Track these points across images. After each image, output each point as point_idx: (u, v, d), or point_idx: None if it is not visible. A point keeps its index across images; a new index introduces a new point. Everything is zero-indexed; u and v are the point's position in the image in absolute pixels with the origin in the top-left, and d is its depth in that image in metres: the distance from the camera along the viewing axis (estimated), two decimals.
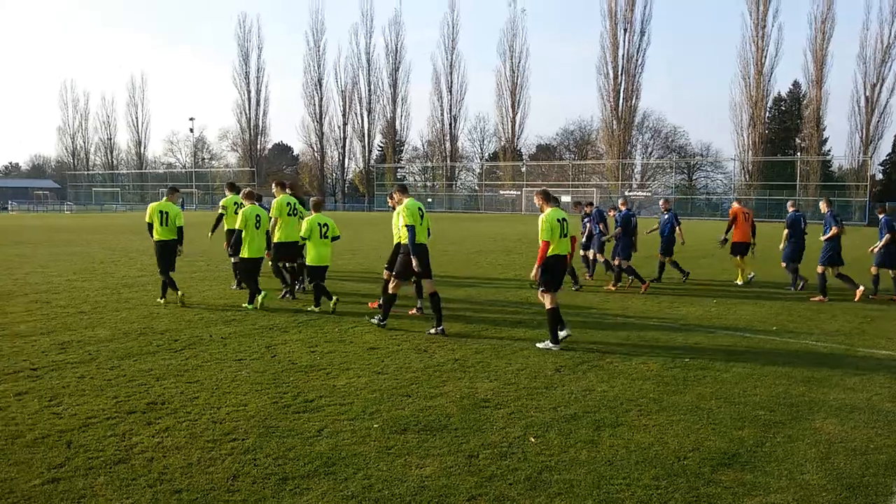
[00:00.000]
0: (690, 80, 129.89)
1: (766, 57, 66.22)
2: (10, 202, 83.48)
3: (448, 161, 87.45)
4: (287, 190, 12.39)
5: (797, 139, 70.95)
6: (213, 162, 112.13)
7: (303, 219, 11.63)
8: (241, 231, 11.19)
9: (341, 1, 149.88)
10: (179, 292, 11.25)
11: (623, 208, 14.49)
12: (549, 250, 8.55)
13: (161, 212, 11.39)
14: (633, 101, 73.08)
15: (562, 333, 8.62)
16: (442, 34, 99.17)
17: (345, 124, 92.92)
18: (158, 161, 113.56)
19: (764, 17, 65.76)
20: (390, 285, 9.67)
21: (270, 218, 11.92)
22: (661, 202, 16.72)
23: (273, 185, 12.50)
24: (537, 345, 8.56)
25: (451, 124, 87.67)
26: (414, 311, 10.77)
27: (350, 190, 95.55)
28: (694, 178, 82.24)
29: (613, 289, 13.79)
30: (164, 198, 11.75)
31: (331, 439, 5.21)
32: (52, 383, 6.59)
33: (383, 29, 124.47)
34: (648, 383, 6.94)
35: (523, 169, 79.60)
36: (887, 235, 13.08)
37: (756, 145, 66.90)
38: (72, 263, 17.04)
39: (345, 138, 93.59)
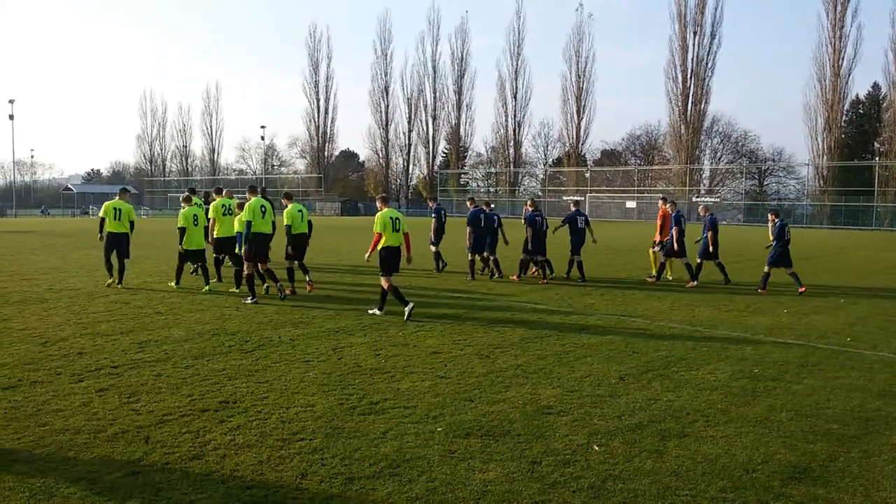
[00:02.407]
0: (762, 83, 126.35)
1: (843, 59, 63.62)
2: (90, 206, 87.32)
3: (511, 167, 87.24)
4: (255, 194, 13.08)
5: (876, 143, 67.94)
6: (283, 168, 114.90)
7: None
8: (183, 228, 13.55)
9: (409, 10, 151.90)
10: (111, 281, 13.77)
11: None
12: (382, 242, 10.78)
13: (115, 209, 13.85)
14: (703, 105, 71.36)
15: (406, 309, 10.57)
16: (507, 40, 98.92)
17: (410, 131, 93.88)
18: (230, 168, 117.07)
19: (842, 17, 63.22)
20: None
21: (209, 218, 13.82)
22: (700, 208, 17.13)
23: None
24: (368, 311, 11.04)
25: (515, 130, 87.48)
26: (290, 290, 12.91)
27: (414, 195, 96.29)
28: (765, 183, 79.73)
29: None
30: (118, 197, 14.17)
31: (395, 441, 5.28)
32: (130, 381, 6.88)
33: (449, 36, 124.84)
34: (716, 394, 6.78)
35: (587, 174, 78.69)
36: None
37: (832, 150, 64.29)
38: (148, 265, 17.70)
39: (410, 145, 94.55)
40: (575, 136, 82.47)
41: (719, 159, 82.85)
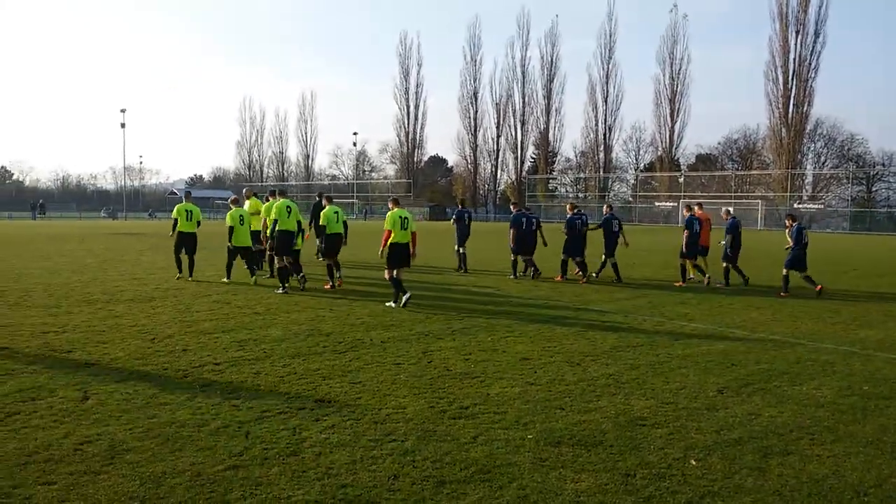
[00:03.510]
0: (870, 84, 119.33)
1: None
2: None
3: (601, 172, 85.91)
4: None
5: None
6: (373, 174, 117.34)
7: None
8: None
9: (498, 15, 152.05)
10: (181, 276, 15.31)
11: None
12: (391, 238, 12.11)
13: (187, 211, 15.36)
14: (805, 108, 68.19)
15: (404, 298, 11.98)
16: (599, 44, 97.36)
17: (498, 136, 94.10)
18: (324, 173, 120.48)
19: None
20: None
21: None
22: (723, 212, 17.71)
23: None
24: (386, 304, 12.24)
25: (605, 134, 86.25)
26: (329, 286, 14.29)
27: (501, 201, 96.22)
28: (874, 189, 75.23)
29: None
30: (185, 200, 15.75)
31: (486, 447, 5.28)
32: (231, 377, 7.16)
33: (539, 41, 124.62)
34: (822, 411, 6.43)
35: (681, 180, 76.42)
36: None
37: None
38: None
39: (498, 150, 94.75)
40: (668, 141, 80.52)
41: (823, 164, 78.81)
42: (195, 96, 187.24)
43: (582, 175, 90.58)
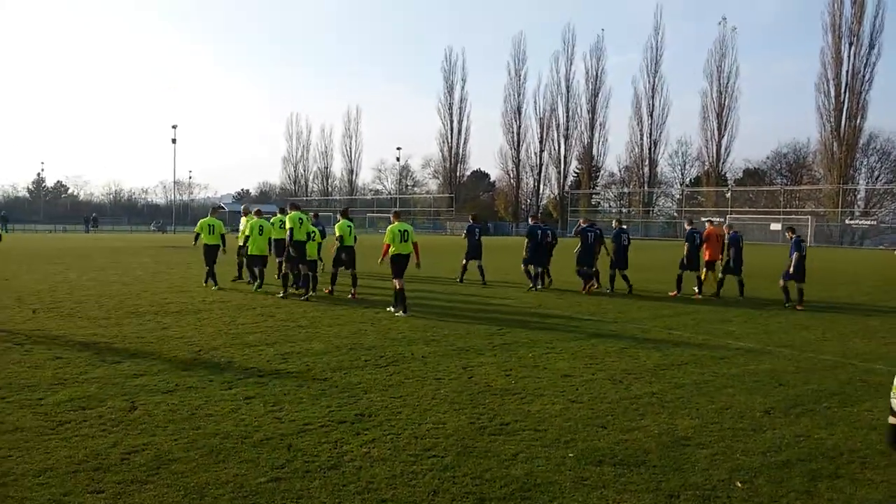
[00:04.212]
0: None
1: None
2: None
3: (645, 186, 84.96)
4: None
5: None
6: (416, 189, 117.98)
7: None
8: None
9: (544, 30, 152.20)
10: (212, 285, 16.59)
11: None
12: (392, 250, 13.07)
13: (209, 225, 16.95)
14: (858, 121, 66.35)
15: (398, 312, 12.75)
16: (644, 57, 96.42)
17: (541, 151, 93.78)
18: (367, 188, 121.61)
19: None
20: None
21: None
22: (724, 226, 18.18)
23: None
24: (388, 308, 13.31)
25: (650, 149, 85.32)
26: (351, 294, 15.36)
27: (544, 216, 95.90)
28: None
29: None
30: (210, 214, 17.64)
31: (526, 464, 5.24)
32: (274, 390, 7.26)
33: (584, 55, 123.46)
34: (874, 434, 6.23)
35: (728, 195, 75.07)
36: None
37: None
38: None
39: (541, 165, 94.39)
40: (715, 155, 79.23)
41: (876, 179, 76.60)
42: (245, 112, 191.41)
43: (626, 190, 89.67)
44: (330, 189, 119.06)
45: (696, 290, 17.21)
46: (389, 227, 13.23)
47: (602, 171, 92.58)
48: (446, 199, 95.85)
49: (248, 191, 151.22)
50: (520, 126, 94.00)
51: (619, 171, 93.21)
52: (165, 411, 6.42)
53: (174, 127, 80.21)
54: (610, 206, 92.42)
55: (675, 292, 17.18)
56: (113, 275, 20.02)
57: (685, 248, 17.37)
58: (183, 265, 23.87)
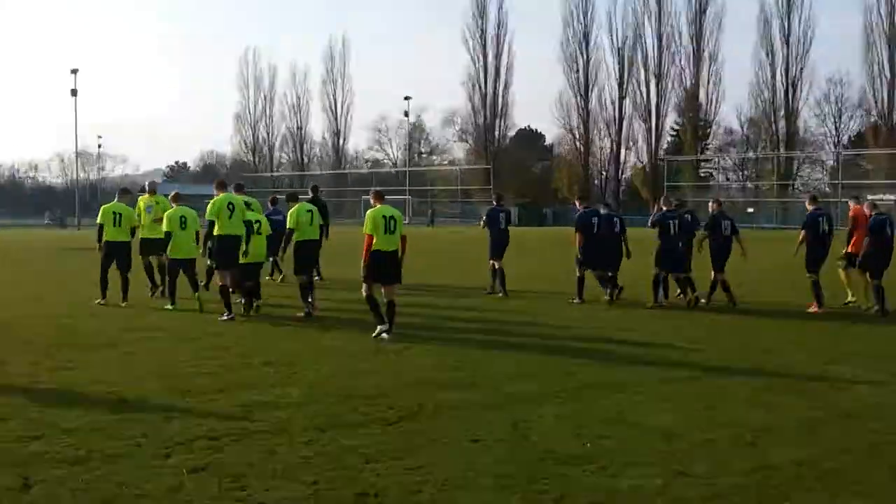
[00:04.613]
0: None
1: None
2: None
3: (780, 149, 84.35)
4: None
5: None
6: (434, 157, 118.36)
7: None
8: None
9: None
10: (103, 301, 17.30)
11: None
12: (373, 244, 13.29)
13: (114, 213, 17.51)
14: None
15: (379, 329, 13.36)
16: None
17: (621, 98, 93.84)
18: (361, 157, 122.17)
19: None
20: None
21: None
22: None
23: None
24: (373, 335, 13.36)
25: (787, 93, 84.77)
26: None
27: (627, 194, 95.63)
28: None
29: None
30: (116, 198, 18.18)
31: None
32: (233, 458, 7.30)
33: None
34: None
35: None
36: None
37: None
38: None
39: (621, 119, 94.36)
40: (886, 101, 78.49)
41: None
42: (175, 47, 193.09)
43: (751, 154, 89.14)
44: (306, 158, 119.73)
45: (853, 298, 17.65)
46: (370, 213, 13.55)
47: (714, 128, 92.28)
48: (480, 172, 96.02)
49: (185, 164, 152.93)
50: (588, 62, 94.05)
51: (741, 127, 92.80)
52: (74, 490, 6.47)
53: (74, 72, 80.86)
54: (727, 178, 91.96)
55: (814, 307, 17.28)
56: None
57: (800, 236, 17.73)
58: (92, 277, 24.12)
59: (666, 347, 13.04)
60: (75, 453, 7.41)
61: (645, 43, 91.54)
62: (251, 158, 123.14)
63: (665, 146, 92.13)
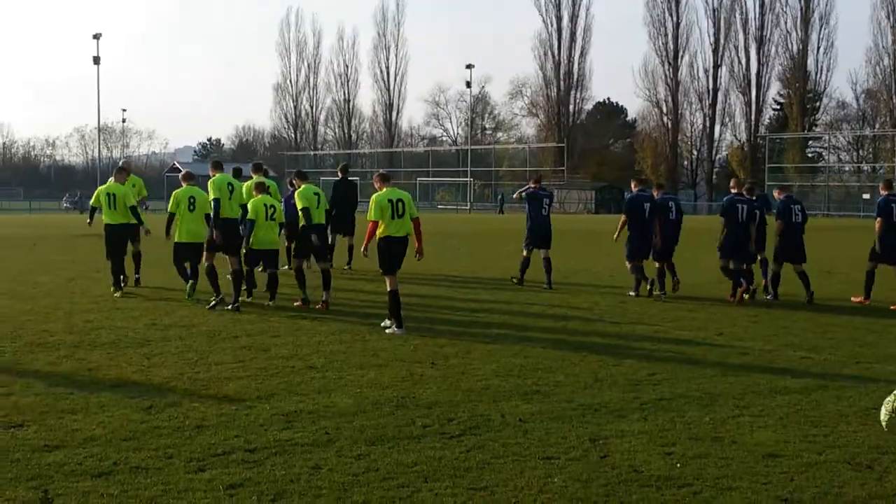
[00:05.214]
0: None
1: None
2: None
3: None
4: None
5: None
6: (500, 133, 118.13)
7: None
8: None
9: None
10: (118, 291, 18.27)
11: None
12: (382, 230, 13.97)
13: (108, 194, 18.46)
14: None
15: (389, 323, 14.20)
16: None
17: (716, 66, 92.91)
18: (416, 133, 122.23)
19: None
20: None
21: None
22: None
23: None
24: (386, 330, 14.18)
25: None
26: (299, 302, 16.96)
27: (721, 176, 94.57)
28: None
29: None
30: (112, 179, 19.12)
31: None
32: (275, 473, 7.36)
33: None
34: None
35: None
36: None
37: None
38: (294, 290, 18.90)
39: (716, 90, 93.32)
40: None
41: None
42: (208, 10, 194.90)
43: (867, 131, 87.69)
44: (354, 135, 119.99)
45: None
46: (374, 197, 14.19)
47: (824, 101, 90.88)
48: (552, 150, 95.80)
49: (219, 141, 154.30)
50: (677, 24, 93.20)
51: (856, 100, 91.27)
52: None
53: (97, 37, 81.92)
54: (839, 160, 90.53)
55: (859, 298, 18.61)
56: (0, 282, 20.76)
57: (878, 225, 18.48)
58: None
59: (761, 353, 12.91)
60: (99, 465, 7.53)
61: (745, 3, 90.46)
62: (292, 134, 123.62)
63: (766, 122, 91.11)
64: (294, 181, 18.82)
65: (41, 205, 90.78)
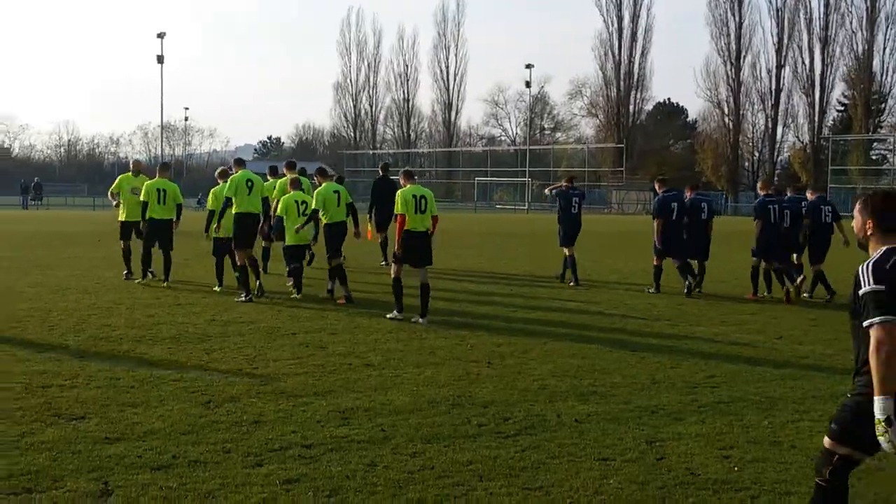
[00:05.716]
0: None
1: None
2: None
3: None
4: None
5: None
6: (558, 134, 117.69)
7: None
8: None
9: None
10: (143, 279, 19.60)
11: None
12: (406, 225, 14.82)
13: (158, 190, 19.07)
14: None
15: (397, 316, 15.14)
16: None
17: (780, 66, 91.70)
18: (475, 133, 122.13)
19: None
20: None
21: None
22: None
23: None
24: (386, 316, 15.24)
25: None
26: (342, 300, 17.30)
27: (784, 178, 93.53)
28: None
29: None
30: (158, 175, 19.81)
31: None
32: (331, 469, 7.41)
33: None
34: None
35: None
36: None
37: None
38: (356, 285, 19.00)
39: (778, 91, 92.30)
40: None
41: None
42: (269, 11, 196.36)
43: None
44: (413, 135, 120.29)
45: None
46: (400, 192, 15.33)
47: (890, 103, 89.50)
48: (611, 151, 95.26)
49: (278, 140, 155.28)
50: (740, 24, 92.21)
51: None
52: (157, 498, 6.67)
53: (161, 36, 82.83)
54: None
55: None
56: (67, 277, 21.18)
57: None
58: (180, 262, 24.74)
59: (822, 357, 12.74)
60: (158, 458, 7.63)
61: (809, 2, 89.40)
62: (351, 133, 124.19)
63: (830, 123, 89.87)
64: (315, 178, 19.19)
65: (104, 201, 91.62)
